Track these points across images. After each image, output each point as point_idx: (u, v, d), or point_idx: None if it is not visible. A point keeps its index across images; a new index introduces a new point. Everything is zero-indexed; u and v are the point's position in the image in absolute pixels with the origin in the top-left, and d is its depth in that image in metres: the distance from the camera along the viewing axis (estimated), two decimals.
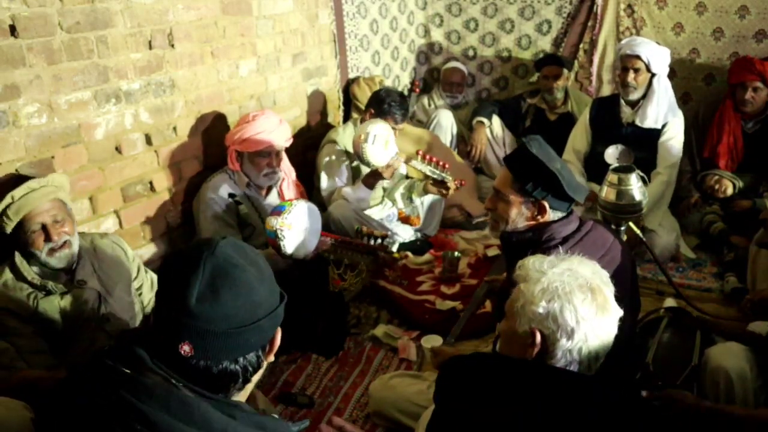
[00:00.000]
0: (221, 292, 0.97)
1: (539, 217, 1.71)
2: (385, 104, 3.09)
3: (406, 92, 4.52)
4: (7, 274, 1.79)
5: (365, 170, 3.08)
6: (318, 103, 3.56)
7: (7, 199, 1.75)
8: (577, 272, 1.23)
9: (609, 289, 1.25)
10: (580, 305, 1.18)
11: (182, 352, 0.96)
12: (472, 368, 1.24)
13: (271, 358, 1.10)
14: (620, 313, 1.24)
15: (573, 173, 1.77)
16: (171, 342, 0.97)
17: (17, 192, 1.75)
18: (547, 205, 1.69)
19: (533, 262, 1.28)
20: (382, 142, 2.87)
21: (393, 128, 3.03)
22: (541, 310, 1.19)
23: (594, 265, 1.29)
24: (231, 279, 0.99)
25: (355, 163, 3.13)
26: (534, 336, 1.19)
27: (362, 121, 3.16)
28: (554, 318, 1.18)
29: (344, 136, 3.15)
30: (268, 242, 2.39)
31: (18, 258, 1.81)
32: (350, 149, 3.08)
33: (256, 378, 1.09)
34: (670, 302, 2.40)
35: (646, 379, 1.79)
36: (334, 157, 3.13)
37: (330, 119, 3.67)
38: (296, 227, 2.37)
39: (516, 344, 1.24)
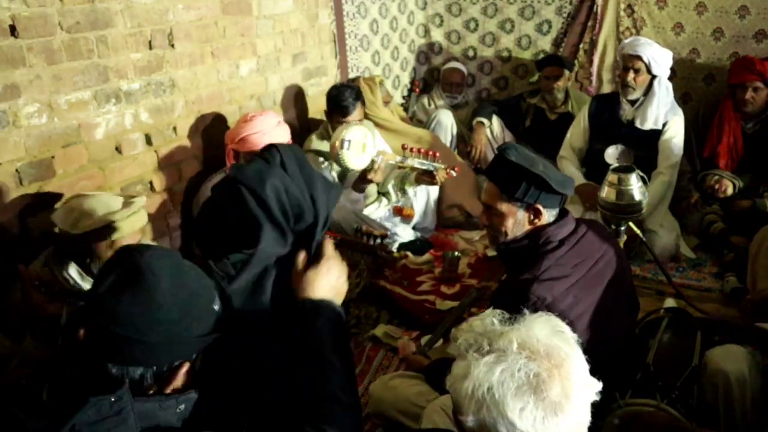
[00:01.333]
0: (124, 292, 0.96)
1: (536, 221, 1.70)
2: (331, 102, 3.06)
3: (405, 92, 4.53)
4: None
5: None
6: (318, 103, 3.56)
7: (133, 207, 1.79)
8: (517, 358, 0.93)
9: (571, 361, 0.95)
10: (518, 419, 0.89)
11: (79, 336, 0.97)
12: None
13: (168, 392, 1.01)
14: (595, 387, 0.97)
15: (555, 169, 1.75)
16: (78, 325, 0.98)
17: (136, 205, 1.81)
18: (541, 207, 1.68)
19: (464, 339, 1.00)
20: (359, 147, 2.83)
21: (344, 121, 2.98)
22: (471, 424, 0.93)
23: (549, 321, 1.02)
24: (139, 283, 0.96)
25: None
26: None
27: (333, 127, 3.13)
28: (489, 431, 0.92)
29: (318, 143, 3.13)
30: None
31: (49, 261, 1.84)
32: (327, 154, 3.06)
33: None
34: (670, 302, 2.40)
35: (646, 380, 1.78)
36: (312, 164, 3.11)
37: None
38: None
39: None
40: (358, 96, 3.07)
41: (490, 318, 1.03)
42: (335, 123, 3.05)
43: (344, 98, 3.01)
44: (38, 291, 1.63)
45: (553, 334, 0.98)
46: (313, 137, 3.18)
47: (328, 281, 1.18)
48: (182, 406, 1.07)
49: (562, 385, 0.91)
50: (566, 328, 1.02)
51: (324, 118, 3.58)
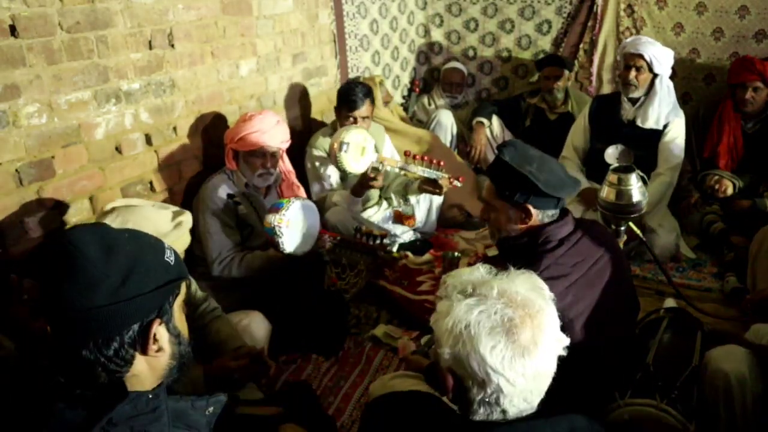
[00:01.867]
0: (61, 276, 0.98)
1: (527, 220, 1.71)
2: (341, 96, 3.06)
3: (405, 92, 4.53)
4: None
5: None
6: (318, 103, 3.56)
7: (182, 228, 1.75)
8: (495, 303, 1.04)
9: (544, 314, 1.06)
10: (489, 354, 0.99)
11: (48, 332, 0.98)
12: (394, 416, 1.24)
13: (156, 354, 1.04)
14: (563, 342, 1.07)
15: (557, 171, 1.75)
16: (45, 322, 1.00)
17: (185, 225, 1.76)
18: (531, 207, 1.69)
19: (452, 284, 1.11)
20: (357, 150, 2.80)
21: (351, 116, 2.97)
22: (446, 356, 1.04)
23: (531, 278, 1.12)
24: (70, 263, 0.98)
25: None
26: (446, 379, 1.06)
27: (341, 123, 3.13)
28: (461, 365, 1.03)
29: (323, 142, 3.13)
30: (267, 239, 2.39)
31: None
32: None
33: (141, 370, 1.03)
34: (670, 302, 2.40)
35: (646, 380, 1.78)
36: (315, 163, 3.12)
37: (330, 119, 3.67)
38: (294, 224, 2.36)
39: (439, 374, 1.10)
40: (369, 93, 3.08)
41: (480, 269, 1.15)
42: (342, 118, 3.05)
43: (353, 93, 3.03)
44: (25, 306, 1.60)
45: (532, 289, 1.09)
46: (319, 135, 3.18)
47: None
48: (211, 408, 1.09)
49: (532, 332, 1.02)
50: (545, 287, 1.12)
51: (324, 120, 3.60)
